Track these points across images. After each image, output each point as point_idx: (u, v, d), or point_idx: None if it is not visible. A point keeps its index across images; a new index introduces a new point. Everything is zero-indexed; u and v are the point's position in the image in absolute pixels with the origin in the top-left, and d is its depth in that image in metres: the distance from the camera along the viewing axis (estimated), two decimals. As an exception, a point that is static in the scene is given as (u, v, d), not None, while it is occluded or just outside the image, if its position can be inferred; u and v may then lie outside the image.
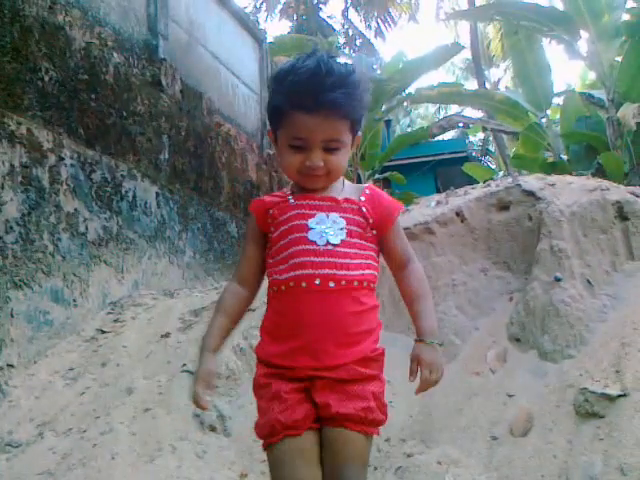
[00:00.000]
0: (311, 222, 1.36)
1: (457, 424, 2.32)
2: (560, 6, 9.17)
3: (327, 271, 1.33)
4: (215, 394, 1.31)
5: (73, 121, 3.80)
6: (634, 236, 2.67)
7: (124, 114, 4.30)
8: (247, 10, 14.16)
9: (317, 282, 1.32)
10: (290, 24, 15.50)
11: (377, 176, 11.59)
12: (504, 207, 3.12)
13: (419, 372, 1.34)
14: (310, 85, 1.34)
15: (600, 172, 9.21)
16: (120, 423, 2.54)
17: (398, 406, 2.38)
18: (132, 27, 4.84)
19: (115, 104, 4.22)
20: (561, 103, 10.84)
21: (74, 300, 3.54)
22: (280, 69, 1.45)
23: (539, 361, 2.45)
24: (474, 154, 15.18)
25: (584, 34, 9.08)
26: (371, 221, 1.40)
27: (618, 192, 2.81)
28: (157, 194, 4.47)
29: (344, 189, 1.45)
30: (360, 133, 1.47)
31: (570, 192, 2.92)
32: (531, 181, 3.17)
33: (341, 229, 1.36)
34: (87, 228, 3.73)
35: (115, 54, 4.34)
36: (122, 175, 4.14)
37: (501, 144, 12.89)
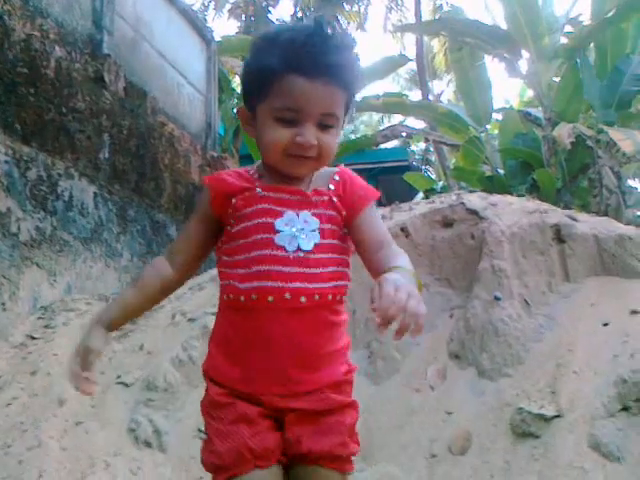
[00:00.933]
0: (279, 223, 1.15)
1: (397, 441, 2.34)
2: (503, 25, 9.48)
3: (298, 284, 1.12)
4: (94, 377, 1.12)
5: (10, 116, 3.62)
6: (570, 258, 2.77)
7: (63, 110, 4.12)
8: (194, 8, 13.94)
9: (287, 296, 1.12)
10: (238, 24, 15.37)
11: (320, 182, 11.62)
12: (448, 224, 3.17)
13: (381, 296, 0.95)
14: (311, 45, 1.13)
15: (534, 187, 9.57)
16: (50, 437, 2.42)
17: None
18: (76, 20, 4.66)
19: (54, 99, 4.04)
20: (500, 119, 11.19)
21: (2, 304, 3.36)
22: (272, 28, 1.27)
23: (478, 379, 2.50)
24: (415, 163, 15.47)
25: (525, 54, 9.42)
26: (344, 213, 1.20)
27: (556, 215, 2.91)
28: (95, 194, 4.31)
29: (313, 176, 1.24)
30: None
31: (511, 213, 3.01)
32: (474, 200, 3.24)
33: (313, 231, 1.16)
34: (19, 228, 3.55)
35: (57, 47, 4.16)
36: (59, 174, 3.97)
37: (442, 155, 13.19)
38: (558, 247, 2.81)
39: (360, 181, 1.26)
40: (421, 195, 11.05)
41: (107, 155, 4.54)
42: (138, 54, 5.52)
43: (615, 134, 8.74)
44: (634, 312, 2.39)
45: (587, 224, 2.85)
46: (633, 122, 9.59)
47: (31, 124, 3.79)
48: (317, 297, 1.13)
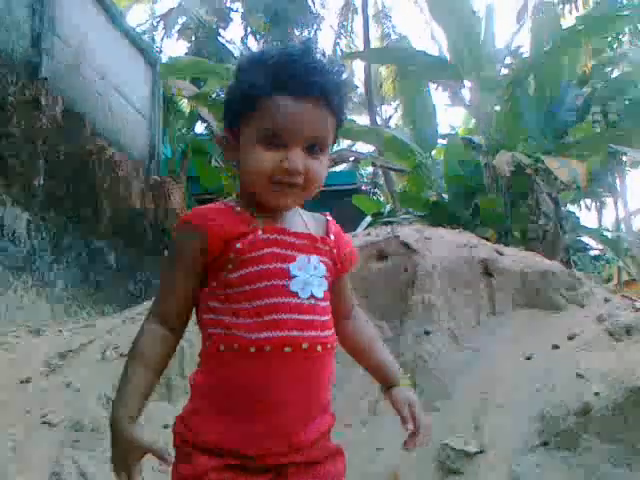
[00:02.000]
0: (293, 267, 1.08)
1: None
2: (447, 55, 9.77)
3: (313, 333, 1.07)
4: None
5: None
6: (497, 292, 2.85)
7: (-4, 135, 4.03)
8: (143, 28, 13.84)
9: (304, 346, 1.06)
10: (188, 45, 15.31)
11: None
12: (383, 257, 3.22)
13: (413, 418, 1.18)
14: (300, 65, 1.08)
15: (477, 213, 9.82)
16: (-35, 483, 2.31)
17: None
18: (13, 42, 4.58)
19: (-14, 124, 3.94)
20: (445, 145, 11.48)
21: None
22: (257, 51, 1.20)
23: (407, 414, 2.52)
24: (364, 187, 15.66)
25: (467, 83, 9.74)
26: (338, 266, 1.17)
27: (485, 249, 2.99)
28: (28, 222, 4.20)
29: (302, 214, 1.18)
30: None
31: (442, 246, 3.07)
32: (408, 233, 3.30)
33: (321, 277, 1.11)
34: (-56, 259, 3.43)
35: (-10, 70, 4.07)
36: (-11, 201, 3.86)
37: (389, 179, 13.40)
38: (486, 281, 2.89)
39: (348, 240, 1.24)
40: (369, 218, 11.18)
41: (42, 181, 4.44)
42: (78, 77, 5.44)
43: (551, 163, 9.07)
44: (555, 347, 2.47)
45: (513, 258, 2.94)
46: (569, 150, 9.99)
47: (-40, 150, 3.68)
48: (329, 346, 1.11)
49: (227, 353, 1.06)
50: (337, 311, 1.19)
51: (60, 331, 3.60)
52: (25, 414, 2.72)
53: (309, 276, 1.10)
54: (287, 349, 1.05)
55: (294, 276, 1.08)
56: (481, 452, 2.13)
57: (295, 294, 1.08)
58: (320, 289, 1.11)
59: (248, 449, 1.05)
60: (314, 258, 1.12)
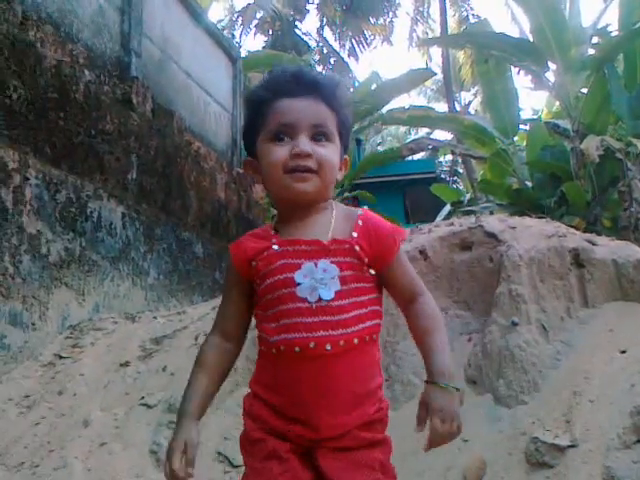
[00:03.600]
0: (298, 275, 1.20)
1: (412, 468, 2.35)
2: (530, 37, 9.44)
3: (322, 333, 1.17)
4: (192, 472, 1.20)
5: (40, 140, 3.76)
6: (589, 283, 2.76)
7: (92, 133, 4.26)
8: (223, 23, 14.16)
9: (311, 345, 1.17)
10: (265, 39, 15.55)
11: (346, 194, 11.68)
12: (466, 247, 3.18)
13: (428, 421, 1.18)
14: (292, 74, 1.28)
15: (563, 200, 9.45)
16: (75, 458, 2.51)
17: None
18: (105, 44, 4.82)
19: (84, 122, 4.18)
20: (528, 130, 11.10)
21: (32, 323, 3.48)
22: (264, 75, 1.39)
23: (494, 405, 2.50)
24: (442, 175, 15.42)
25: (552, 65, 9.36)
26: (366, 260, 1.23)
27: (575, 239, 2.90)
28: (123, 214, 4.43)
29: (334, 217, 1.27)
30: (347, 157, 1.36)
31: (529, 236, 3.00)
32: (493, 222, 3.24)
33: (333, 278, 1.19)
34: (49, 250, 3.68)
35: (86, 71, 4.31)
36: (87, 195, 4.10)
37: (469, 167, 13.13)
38: (577, 272, 2.80)
39: (385, 226, 1.28)
40: (448, 207, 11.01)
41: (135, 175, 4.66)
42: (165, 74, 5.66)
43: (644, 146, 8.59)
44: (652, 340, 2.37)
45: (606, 248, 2.83)
46: (663, 133, 9.42)
47: (60, 147, 3.93)
48: (342, 343, 1.17)
49: (262, 352, 1.27)
50: (399, 297, 1.30)
51: (155, 318, 3.80)
52: (125, 395, 2.91)
53: (316, 280, 1.19)
54: (297, 349, 1.17)
55: (299, 283, 1.20)
56: (573, 446, 2.09)
57: (304, 299, 1.19)
58: (330, 290, 1.19)
59: (278, 426, 1.20)
60: (322, 262, 1.20)
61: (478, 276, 3.07)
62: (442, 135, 14.27)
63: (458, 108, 13.96)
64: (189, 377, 1.30)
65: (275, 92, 1.26)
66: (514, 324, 2.66)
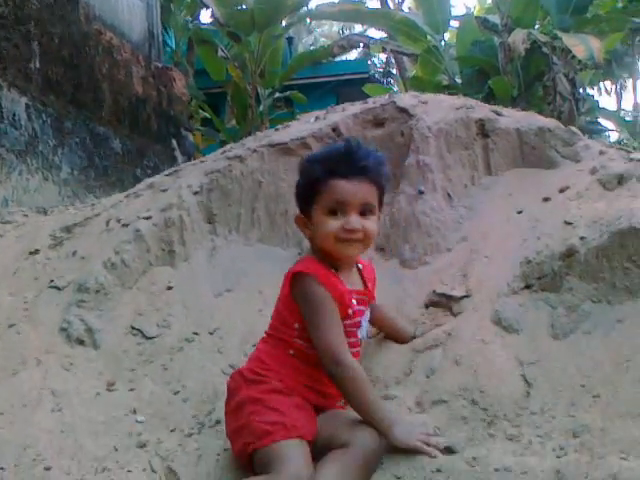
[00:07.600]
0: (363, 320, 1.78)
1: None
2: None
3: (361, 349, 1.82)
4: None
5: None
6: (492, 152, 2.82)
7: (-15, 16, 3.93)
8: None
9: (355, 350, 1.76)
10: None
11: (278, 95, 11.41)
12: (379, 123, 3.17)
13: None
14: (345, 155, 1.63)
15: (491, 96, 9.53)
16: (-19, 340, 2.47)
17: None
18: None
19: (-27, 4, 3.84)
20: (458, 26, 10.97)
21: None
22: (310, 154, 1.81)
23: (400, 268, 2.59)
24: (376, 75, 15.19)
25: (482, -44, 9.14)
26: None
27: (481, 111, 2.93)
28: (27, 105, 4.19)
29: (355, 268, 1.86)
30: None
31: (439, 110, 3.01)
32: (405, 98, 3.23)
33: (366, 321, 1.83)
34: (-54, 140, 3.47)
35: (-28, -54, 3.91)
36: (-15, 84, 3.83)
37: (402, 66, 12.98)
38: (482, 142, 2.85)
39: (373, 272, 2.02)
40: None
41: (38, 65, 4.37)
42: (68, -44, 5.20)
43: (569, 40, 8.65)
44: (546, 199, 2.47)
45: (511, 119, 2.88)
46: (589, 27, 9.49)
47: (-50, 31, 3.61)
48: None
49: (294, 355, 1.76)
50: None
51: (67, 208, 3.68)
52: (34, 280, 2.85)
53: (366, 324, 1.84)
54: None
55: (362, 325, 1.80)
56: (467, 297, 2.20)
57: (359, 337, 1.78)
58: (367, 331, 1.88)
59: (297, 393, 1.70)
60: (367, 310, 1.84)
61: (390, 151, 3.07)
62: (375, 34, 13.95)
63: (391, 5, 13.60)
64: (366, 386, 1.64)
65: (330, 172, 1.62)
66: (420, 192, 2.72)
